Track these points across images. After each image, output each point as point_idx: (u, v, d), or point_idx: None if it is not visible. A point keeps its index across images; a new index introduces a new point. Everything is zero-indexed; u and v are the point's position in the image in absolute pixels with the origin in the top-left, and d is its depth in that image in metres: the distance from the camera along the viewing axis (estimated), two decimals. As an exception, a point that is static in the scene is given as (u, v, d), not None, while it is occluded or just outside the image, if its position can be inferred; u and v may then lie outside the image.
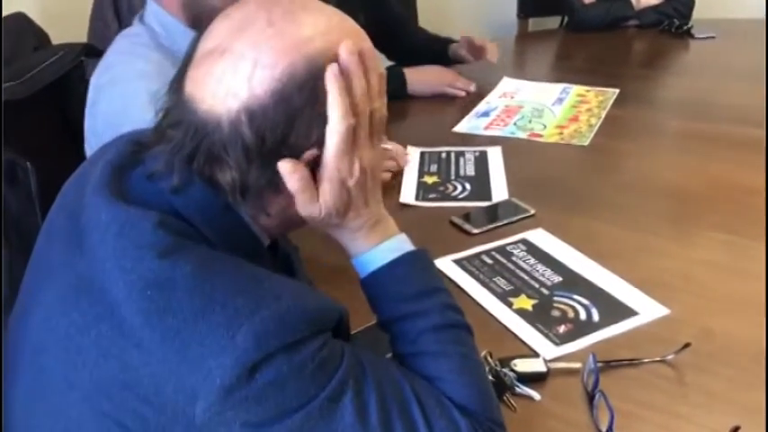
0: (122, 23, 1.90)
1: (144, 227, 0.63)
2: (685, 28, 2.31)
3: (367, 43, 0.70)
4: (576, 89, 1.86)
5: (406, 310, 0.75)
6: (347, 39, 0.67)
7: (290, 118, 0.64)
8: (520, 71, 2.07)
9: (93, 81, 1.20)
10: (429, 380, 0.71)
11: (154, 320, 0.59)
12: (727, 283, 1.09)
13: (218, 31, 0.66)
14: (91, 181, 0.70)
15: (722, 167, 1.44)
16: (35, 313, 0.69)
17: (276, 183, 0.66)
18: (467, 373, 0.73)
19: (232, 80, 0.63)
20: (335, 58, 0.66)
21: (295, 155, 0.65)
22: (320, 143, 0.66)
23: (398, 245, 0.76)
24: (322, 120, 0.65)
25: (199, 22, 1.23)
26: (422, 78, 1.85)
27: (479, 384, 0.73)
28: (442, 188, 1.38)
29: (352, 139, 0.67)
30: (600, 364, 0.88)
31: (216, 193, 0.67)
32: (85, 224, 0.67)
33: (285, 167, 0.65)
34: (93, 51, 1.59)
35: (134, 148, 0.74)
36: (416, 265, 0.77)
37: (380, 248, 0.75)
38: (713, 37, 2.26)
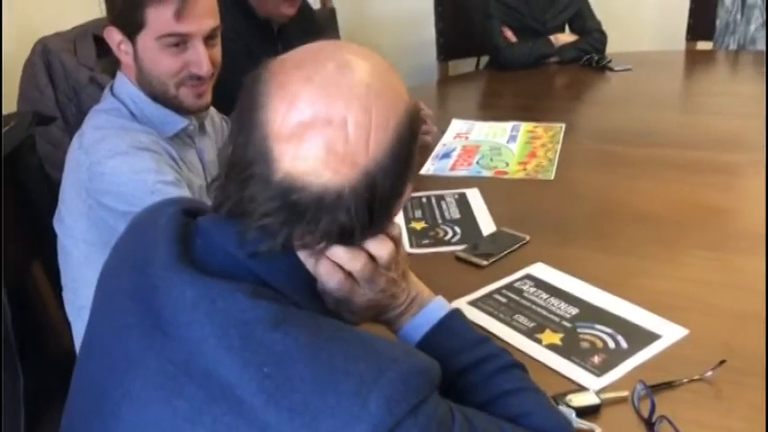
0: (57, 89, 1.82)
1: (240, 299, 0.60)
2: (603, 62, 2.46)
3: None
4: (525, 126, 1.94)
5: (471, 359, 0.77)
6: (401, 79, 0.70)
7: (402, 168, 0.66)
8: (463, 112, 2.12)
9: (79, 158, 1.15)
10: (516, 418, 0.73)
11: (278, 398, 0.56)
12: (725, 297, 1.15)
13: (308, 99, 0.63)
14: (156, 257, 0.66)
15: (682, 190, 1.54)
16: (125, 408, 0.63)
17: None
18: (548, 406, 0.77)
19: (349, 148, 0.62)
20: (412, 99, 0.69)
21: (401, 197, 0.69)
22: (413, 174, 0.70)
23: (441, 303, 0.81)
24: (415, 156, 0.69)
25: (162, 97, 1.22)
26: None
27: (560, 415, 0.77)
28: (432, 233, 1.39)
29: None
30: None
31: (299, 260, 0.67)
32: (164, 304, 0.63)
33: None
34: (42, 120, 1.50)
35: (186, 219, 0.71)
36: (463, 318, 0.82)
37: (427, 311, 0.79)
38: (630, 69, 2.42)
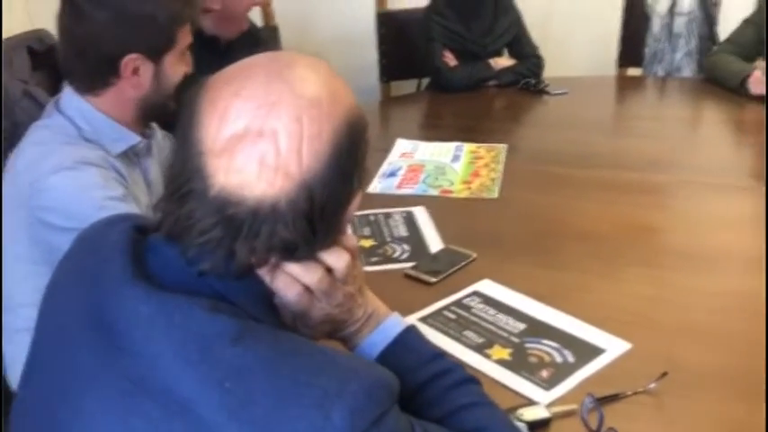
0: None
1: (198, 314, 0.59)
2: (541, 86, 2.53)
3: None
4: (467, 146, 1.97)
5: (427, 375, 0.79)
6: (347, 87, 0.69)
7: (343, 179, 0.65)
8: (406, 132, 2.14)
9: (18, 175, 1.11)
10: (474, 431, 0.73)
11: (240, 414, 0.55)
12: (665, 312, 1.20)
13: (238, 113, 0.63)
14: (108, 273, 0.64)
15: (620, 209, 1.60)
16: (76, 428, 0.60)
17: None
18: (503, 420, 0.78)
19: (281, 159, 0.62)
20: (356, 107, 0.68)
21: (346, 208, 0.68)
22: (360, 182, 0.69)
23: (397, 319, 0.82)
24: (360, 165, 0.68)
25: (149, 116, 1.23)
26: None
27: (515, 429, 0.79)
28: (380, 251, 1.39)
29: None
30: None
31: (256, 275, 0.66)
32: (118, 320, 0.61)
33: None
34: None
35: (138, 235, 0.69)
36: (419, 334, 0.82)
37: (384, 327, 0.80)
38: (566, 92, 2.50)
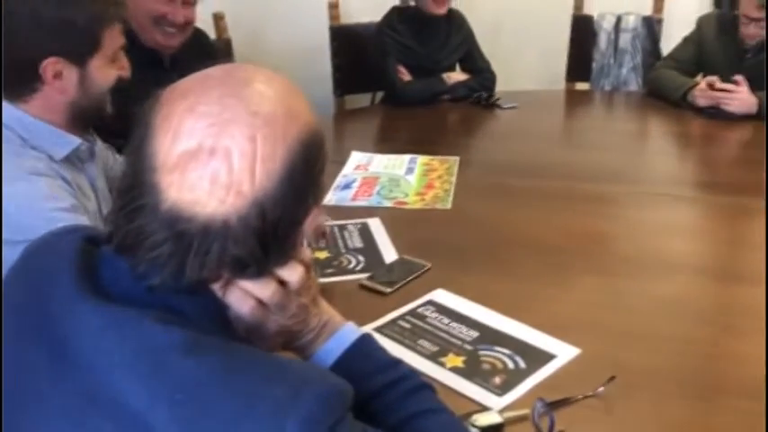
0: None
1: (149, 326, 0.59)
2: (492, 100, 2.58)
3: None
4: (421, 158, 2.00)
5: (383, 381, 0.79)
6: (306, 104, 0.69)
7: (297, 197, 0.65)
8: (360, 145, 2.16)
9: None
10: None
11: (192, 426, 0.55)
12: (613, 317, 1.23)
13: (191, 129, 0.63)
14: (58, 286, 0.63)
15: (571, 219, 1.64)
16: None
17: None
18: (458, 426, 0.80)
19: (233, 177, 0.62)
20: (313, 125, 0.68)
21: (300, 225, 0.68)
22: (316, 200, 0.69)
23: (352, 328, 0.82)
24: (316, 183, 0.68)
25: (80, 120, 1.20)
26: None
27: None
28: (336, 262, 1.40)
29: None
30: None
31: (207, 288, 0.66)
32: (69, 334, 0.60)
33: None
34: None
35: (89, 247, 0.69)
36: (375, 341, 0.83)
37: (339, 335, 0.80)
38: (516, 106, 2.55)
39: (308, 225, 0.69)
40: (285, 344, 0.77)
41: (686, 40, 2.59)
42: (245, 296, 0.67)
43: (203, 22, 2.17)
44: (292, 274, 0.69)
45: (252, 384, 0.58)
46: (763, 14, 2.26)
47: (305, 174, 0.65)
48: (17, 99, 1.17)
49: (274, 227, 0.63)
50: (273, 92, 0.66)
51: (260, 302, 0.68)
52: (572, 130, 2.59)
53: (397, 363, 0.81)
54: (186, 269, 0.62)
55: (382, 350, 0.82)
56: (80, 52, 1.16)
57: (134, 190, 0.64)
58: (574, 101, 2.93)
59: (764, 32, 2.31)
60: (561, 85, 3.08)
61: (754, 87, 2.31)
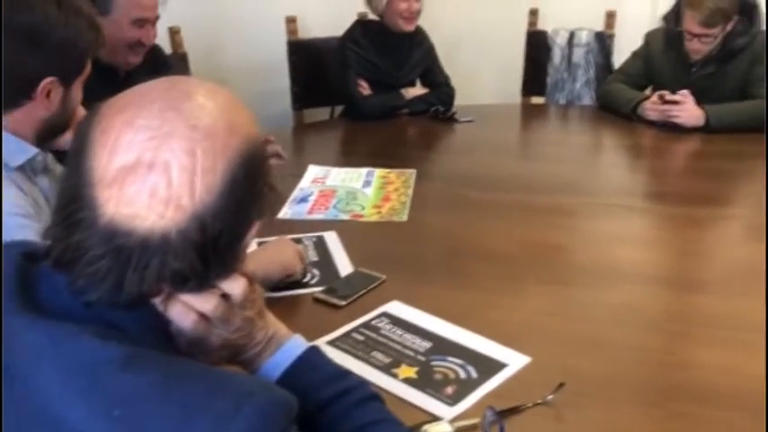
0: None
1: (86, 341, 0.58)
2: (449, 114, 2.61)
3: None
4: (378, 171, 2.00)
5: (331, 393, 0.79)
6: (249, 117, 0.69)
7: (238, 210, 0.64)
8: (319, 159, 2.16)
9: None
10: None
11: None
12: (565, 326, 1.25)
13: (129, 143, 0.62)
14: None
15: (525, 229, 1.66)
16: None
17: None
18: None
19: (172, 191, 0.61)
20: (255, 138, 0.68)
21: (242, 238, 0.67)
22: (259, 213, 0.68)
23: (299, 340, 0.82)
24: (259, 197, 0.68)
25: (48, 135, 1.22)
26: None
27: None
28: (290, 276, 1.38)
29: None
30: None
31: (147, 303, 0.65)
32: (7, 351, 0.59)
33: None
34: None
35: (28, 262, 0.67)
36: (322, 353, 0.83)
37: (286, 348, 0.80)
38: (473, 120, 2.59)
39: (250, 238, 0.69)
40: (230, 357, 0.76)
41: (635, 54, 2.66)
42: (186, 310, 0.66)
43: (158, 35, 2.15)
44: (235, 287, 0.69)
45: (192, 398, 0.57)
46: (705, 31, 2.33)
47: (246, 187, 0.65)
48: None
49: (215, 240, 0.63)
50: (214, 105, 0.66)
51: (202, 316, 0.68)
52: (528, 143, 2.63)
53: (346, 374, 0.81)
54: (125, 284, 0.61)
55: (330, 362, 0.82)
56: (72, 73, 1.21)
57: (72, 204, 0.63)
58: (529, 115, 2.97)
59: (708, 48, 2.39)
60: (518, 99, 3.13)
61: (700, 101, 2.38)
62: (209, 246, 0.63)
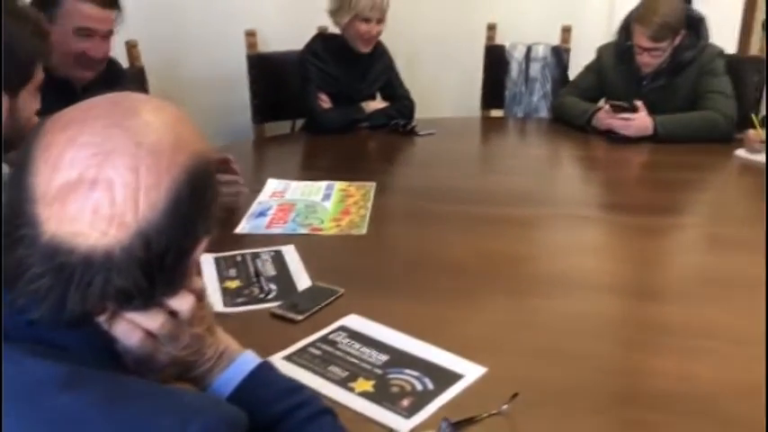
0: None
1: (26, 361, 0.57)
2: (410, 127, 2.62)
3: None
4: (338, 185, 2.01)
5: (283, 408, 0.79)
6: (196, 133, 0.69)
7: (184, 227, 0.64)
8: (279, 173, 2.15)
9: None
10: None
11: None
12: (522, 336, 1.26)
13: (72, 160, 0.61)
14: None
15: (483, 241, 1.68)
16: None
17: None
18: None
19: (115, 209, 0.61)
20: (202, 155, 0.68)
21: (189, 255, 0.67)
22: (207, 229, 0.68)
23: (251, 356, 0.82)
24: (206, 213, 0.68)
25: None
26: None
27: None
28: (247, 291, 1.38)
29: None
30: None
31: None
32: None
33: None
34: None
35: None
36: (274, 369, 0.83)
37: (237, 364, 0.79)
38: (433, 133, 2.61)
39: (198, 254, 0.68)
40: (180, 375, 0.75)
41: (588, 68, 2.72)
42: (132, 328, 0.65)
43: (115, 49, 2.13)
44: (182, 303, 0.68)
45: (136, 417, 0.56)
46: (653, 45, 2.40)
47: (193, 204, 0.65)
48: None
49: (160, 258, 0.63)
50: (160, 122, 0.66)
51: (149, 334, 0.67)
52: (487, 155, 2.66)
53: (298, 389, 0.81)
54: (67, 302, 0.60)
55: (282, 377, 0.82)
56: (16, 82, 1.19)
57: (14, 221, 0.62)
58: (489, 127, 3.01)
59: (657, 61, 2.45)
60: (477, 112, 3.17)
61: (650, 112, 2.45)
62: (155, 263, 0.62)
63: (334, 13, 2.57)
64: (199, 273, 0.74)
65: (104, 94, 0.69)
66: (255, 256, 1.53)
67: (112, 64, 2.03)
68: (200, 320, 0.73)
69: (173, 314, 0.69)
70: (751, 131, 2.28)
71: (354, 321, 1.28)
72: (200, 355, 0.75)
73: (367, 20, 2.52)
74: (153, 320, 0.66)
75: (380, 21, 2.55)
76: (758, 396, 1.08)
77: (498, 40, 3.15)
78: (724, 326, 1.29)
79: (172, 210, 0.63)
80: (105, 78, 1.89)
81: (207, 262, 1.49)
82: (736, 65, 2.63)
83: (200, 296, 0.72)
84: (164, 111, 0.67)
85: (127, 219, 0.61)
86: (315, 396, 0.82)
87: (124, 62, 2.46)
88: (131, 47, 2.54)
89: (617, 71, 2.59)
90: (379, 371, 1.13)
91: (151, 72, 2.64)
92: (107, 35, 1.86)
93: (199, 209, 0.66)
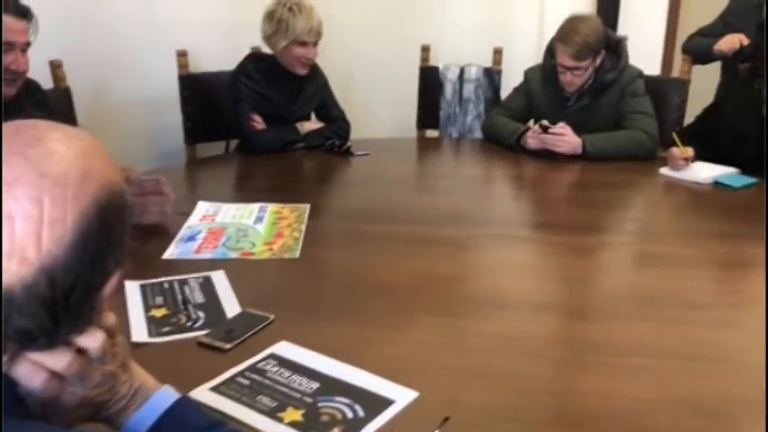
0: None
1: None
2: (345, 148, 2.62)
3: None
4: (271, 207, 1.98)
5: None
6: (108, 163, 0.66)
7: (93, 262, 0.61)
8: (211, 195, 2.11)
9: None
10: None
11: None
12: (453, 358, 1.26)
13: None
14: None
15: (416, 262, 1.68)
16: None
17: None
18: None
19: (16, 244, 0.58)
20: (113, 186, 0.65)
21: (99, 290, 0.64)
22: (117, 264, 0.65)
23: (168, 392, 0.78)
24: (117, 246, 0.65)
25: None
26: None
27: None
28: (174, 320, 1.34)
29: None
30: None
31: None
32: None
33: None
34: None
35: None
36: (192, 404, 0.81)
37: (152, 402, 0.76)
38: (368, 154, 2.61)
39: (108, 290, 0.65)
40: (91, 415, 0.71)
41: (516, 90, 2.79)
42: (35, 369, 0.62)
43: (38, 69, 2.06)
44: (92, 341, 0.65)
45: None
46: (575, 63, 2.48)
47: (102, 237, 0.62)
48: None
49: (66, 295, 0.59)
50: (67, 151, 0.62)
51: (54, 374, 0.63)
52: (421, 176, 2.68)
53: (217, 425, 0.78)
54: None
55: (201, 413, 0.79)
56: None
57: None
58: (424, 148, 3.04)
59: (580, 80, 2.53)
60: (413, 132, 3.19)
61: (576, 132, 2.52)
62: (60, 301, 0.59)
63: (270, 38, 2.56)
64: (110, 307, 0.71)
65: (12, 122, 0.65)
66: (183, 282, 1.49)
67: (30, 84, 1.96)
68: (112, 357, 0.69)
69: (81, 352, 0.65)
70: (674, 150, 2.37)
71: (284, 348, 1.25)
72: (112, 394, 0.72)
73: (304, 44, 2.52)
74: (58, 360, 0.63)
75: (317, 43, 2.56)
76: (681, 411, 1.10)
77: (432, 62, 3.20)
78: (649, 343, 1.32)
79: (79, 244, 0.60)
80: (22, 101, 1.83)
81: (133, 290, 1.44)
82: (659, 86, 2.74)
83: (112, 332, 0.68)
84: (72, 139, 0.64)
85: (29, 254, 0.57)
86: (237, 430, 0.79)
87: (48, 83, 2.38)
88: (56, 67, 2.46)
89: (543, 93, 2.66)
90: (309, 399, 1.10)
91: (78, 93, 2.56)
92: (25, 48, 1.80)
93: (109, 243, 0.63)
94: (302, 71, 2.59)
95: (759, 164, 2.27)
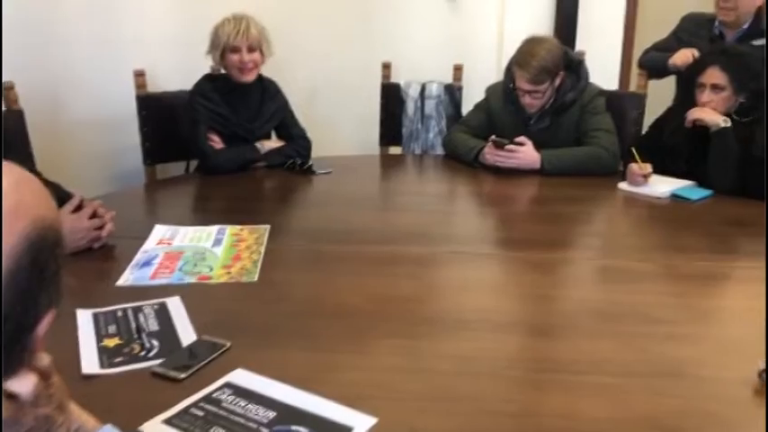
0: None
1: None
2: (306, 166, 2.60)
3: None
4: (230, 228, 1.95)
5: None
6: (41, 197, 0.64)
7: (24, 301, 0.59)
8: (169, 217, 2.07)
9: None
10: None
11: None
12: (411, 382, 1.24)
13: None
14: None
15: (377, 282, 1.66)
16: None
17: None
18: None
19: None
20: (45, 221, 0.62)
21: (30, 331, 0.61)
22: (52, 302, 0.63)
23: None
24: (50, 284, 0.62)
25: None
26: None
27: None
28: (127, 350, 1.30)
29: None
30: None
31: None
32: None
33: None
34: None
35: None
36: None
37: None
38: (330, 172, 2.60)
39: (41, 330, 0.62)
40: None
41: (477, 107, 2.81)
42: None
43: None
44: (23, 385, 0.62)
45: None
46: (533, 87, 2.51)
47: (34, 275, 0.59)
48: None
49: None
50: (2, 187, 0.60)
51: None
52: (384, 193, 2.67)
53: None
54: None
55: None
56: None
57: None
58: (387, 165, 3.03)
59: (539, 102, 2.56)
60: (376, 149, 3.19)
61: (538, 149, 2.54)
62: None
63: (210, 53, 2.56)
64: (60, 339, 0.68)
65: None
66: (138, 310, 1.45)
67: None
68: (47, 399, 0.66)
69: (12, 397, 0.62)
70: (633, 166, 2.40)
71: (241, 377, 1.22)
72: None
73: (235, 49, 2.50)
74: None
75: (252, 49, 2.53)
76: (641, 430, 1.10)
77: (394, 79, 3.20)
78: (610, 360, 1.32)
79: (9, 282, 0.57)
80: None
81: (85, 319, 1.40)
82: (618, 100, 2.78)
83: (47, 374, 0.65)
84: (2, 172, 0.62)
85: None
86: None
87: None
88: (8, 89, 2.40)
89: (504, 111, 2.69)
90: (265, 429, 1.08)
91: (34, 115, 2.51)
92: None
93: (41, 280, 0.60)
94: (246, 77, 2.56)
95: (691, 178, 2.37)
